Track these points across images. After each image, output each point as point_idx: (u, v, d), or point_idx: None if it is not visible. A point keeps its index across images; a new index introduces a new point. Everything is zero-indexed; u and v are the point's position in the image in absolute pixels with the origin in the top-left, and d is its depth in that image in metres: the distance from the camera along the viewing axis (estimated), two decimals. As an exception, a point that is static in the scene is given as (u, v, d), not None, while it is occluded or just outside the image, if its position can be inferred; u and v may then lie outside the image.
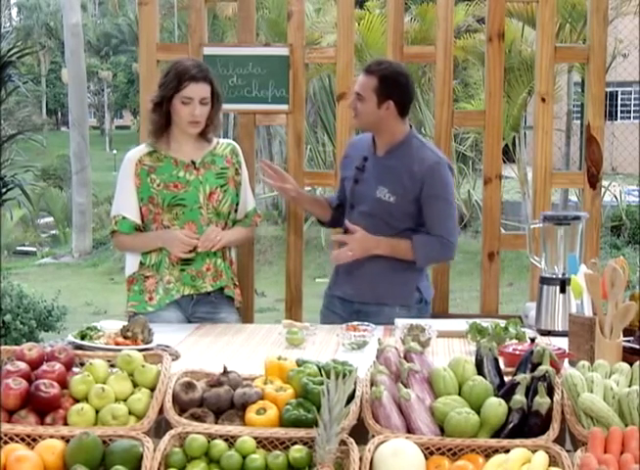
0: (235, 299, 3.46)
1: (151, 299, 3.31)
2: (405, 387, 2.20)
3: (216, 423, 2.18)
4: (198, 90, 3.22)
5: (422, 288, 3.47)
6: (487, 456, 2.05)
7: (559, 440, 2.11)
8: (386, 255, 3.36)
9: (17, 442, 2.12)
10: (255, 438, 2.10)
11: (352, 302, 3.46)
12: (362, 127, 3.53)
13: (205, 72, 3.26)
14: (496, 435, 2.12)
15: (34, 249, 16.14)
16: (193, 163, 3.32)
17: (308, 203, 3.73)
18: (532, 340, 2.54)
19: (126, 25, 33.66)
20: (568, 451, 2.04)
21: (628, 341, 2.53)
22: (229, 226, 3.40)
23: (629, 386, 2.17)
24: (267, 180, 3.61)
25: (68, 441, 2.10)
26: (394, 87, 3.33)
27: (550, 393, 2.16)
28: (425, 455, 2.05)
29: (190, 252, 3.25)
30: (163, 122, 3.29)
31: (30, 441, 2.13)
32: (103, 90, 36.69)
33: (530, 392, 2.16)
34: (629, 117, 20.21)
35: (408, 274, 3.41)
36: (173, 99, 3.23)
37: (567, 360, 2.56)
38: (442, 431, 2.13)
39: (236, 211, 3.42)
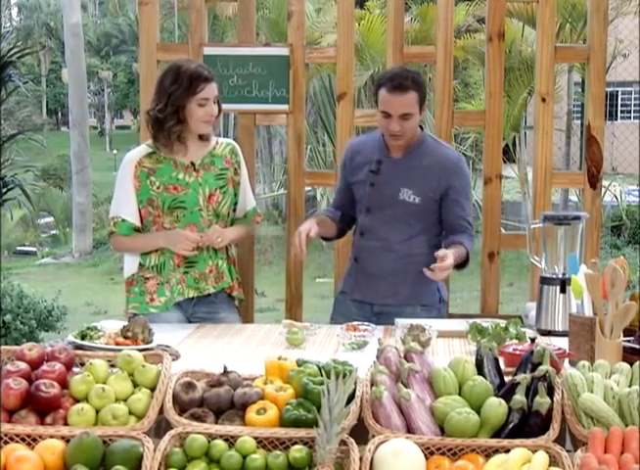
0: (236, 298, 3.46)
1: (152, 300, 3.31)
2: (405, 387, 2.20)
3: (216, 423, 2.17)
4: (211, 90, 3.25)
5: (440, 287, 3.45)
6: (487, 456, 2.05)
7: (559, 440, 2.10)
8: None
9: (17, 442, 2.12)
10: (256, 438, 2.10)
11: (372, 304, 3.42)
12: (408, 142, 3.35)
13: (211, 72, 3.30)
14: (496, 435, 2.12)
15: (34, 249, 16.14)
16: (192, 164, 3.32)
17: (324, 231, 3.48)
18: (532, 340, 2.54)
19: (126, 25, 33.65)
20: (568, 451, 2.04)
21: (628, 341, 2.53)
22: (228, 226, 3.40)
23: (629, 386, 2.17)
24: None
25: (68, 441, 2.10)
26: (424, 89, 3.32)
27: (550, 393, 2.16)
28: (425, 455, 2.05)
29: (193, 250, 3.25)
30: (180, 128, 3.25)
31: (30, 441, 2.12)
32: (103, 90, 36.63)
33: (531, 392, 2.16)
34: (629, 117, 20.19)
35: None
36: (188, 103, 3.22)
37: (567, 360, 2.56)
38: (442, 431, 2.13)
39: (234, 210, 3.43)
